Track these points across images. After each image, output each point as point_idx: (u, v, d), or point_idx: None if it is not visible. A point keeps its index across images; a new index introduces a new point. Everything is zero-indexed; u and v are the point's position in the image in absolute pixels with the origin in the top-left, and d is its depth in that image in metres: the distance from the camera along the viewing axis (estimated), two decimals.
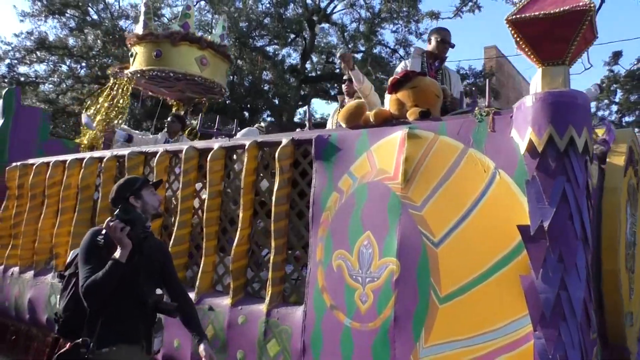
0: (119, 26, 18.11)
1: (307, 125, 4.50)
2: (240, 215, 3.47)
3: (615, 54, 18.03)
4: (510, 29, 2.41)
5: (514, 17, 2.39)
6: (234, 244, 3.43)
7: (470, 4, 15.07)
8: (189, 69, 6.19)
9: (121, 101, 6.42)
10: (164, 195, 4.05)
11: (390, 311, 2.62)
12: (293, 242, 3.44)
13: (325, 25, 19.41)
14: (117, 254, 2.18)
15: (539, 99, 2.33)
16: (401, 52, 17.99)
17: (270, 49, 19.13)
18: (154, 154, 4.23)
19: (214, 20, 18.52)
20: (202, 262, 3.64)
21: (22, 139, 5.97)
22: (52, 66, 18.33)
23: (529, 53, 2.44)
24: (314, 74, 20.25)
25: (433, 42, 4.14)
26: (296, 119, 19.64)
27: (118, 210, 2.28)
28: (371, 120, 3.04)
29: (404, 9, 17.17)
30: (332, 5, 18.65)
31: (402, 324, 2.57)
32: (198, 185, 3.98)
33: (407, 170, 2.71)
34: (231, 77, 17.13)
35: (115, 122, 6.41)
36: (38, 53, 17.75)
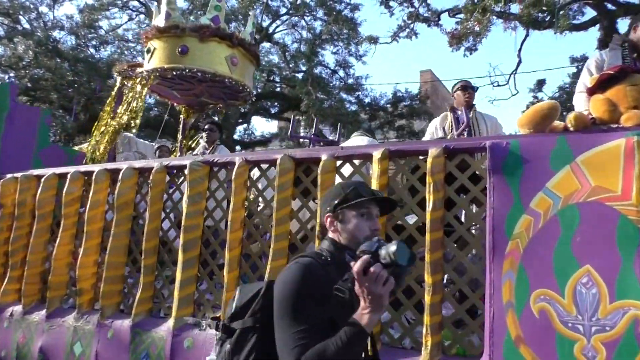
0: (53, 37, 17.23)
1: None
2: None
3: (539, 82, 19.05)
4: None
5: None
6: None
7: (407, 30, 15.82)
8: (218, 68, 5.35)
9: (134, 104, 5.44)
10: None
11: None
12: (451, 275, 2.76)
13: (267, 45, 19.93)
14: (363, 317, 1.38)
15: None
16: (341, 73, 18.92)
17: None
18: (225, 164, 3.43)
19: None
20: None
21: (18, 144, 4.90)
22: None
23: None
24: (254, 92, 20.38)
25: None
26: (236, 137, 19.85)
27: (368, 241, 1.46)
28: (570, 126, 2.42)
29: (345, 32, 17.97)
30: (274, 25, 19.00)
31: None
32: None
33: None
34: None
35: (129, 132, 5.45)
36: None
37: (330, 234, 1.64)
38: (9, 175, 4.57)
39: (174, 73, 5.29)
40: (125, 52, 19.50)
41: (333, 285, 1.38)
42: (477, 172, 2.68)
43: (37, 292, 4.13)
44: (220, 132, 5.38)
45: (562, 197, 2.32)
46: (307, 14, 18.78)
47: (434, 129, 4.06)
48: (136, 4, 19.42)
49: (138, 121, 5.36)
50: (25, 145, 4.96)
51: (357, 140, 4.01)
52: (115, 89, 5.91)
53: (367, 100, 18.63)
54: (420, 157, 2.81)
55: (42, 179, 4.24)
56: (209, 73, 5.29)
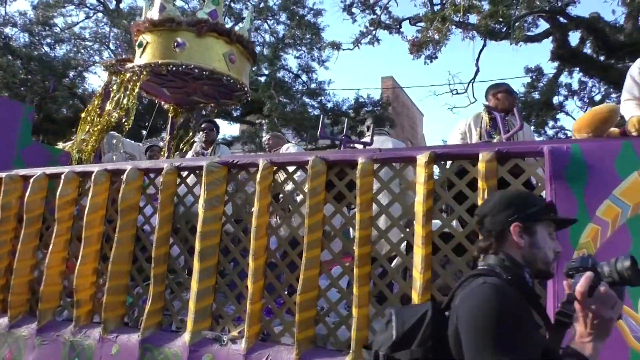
0: (5, 34, 16.64)
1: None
2: (421, 252, 2.55)
3: None
4: None
5: None
6: None
7: (369, 36, 16.22)
8: (216, 66, 5.08)
9: (124, 101, 5.09)
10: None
11: None
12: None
13: None
14: (586, 346, 1.20)
15: None
16: (304, 77, 19.05)
17: None
18: (245, 165, 3.20)
19: (111, 33, 17.88)
20: None
21: None
22: None
23: None
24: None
25: None
26: (196, 139, 19.35)
27: (579, 257, 1.26)
28: (633, 131, 2.33)
29: (308, 37, 18.14)
30: (236, 28, 18.83)
31: None
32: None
33: None
34: None
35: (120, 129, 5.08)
36: None
37: (507, 248, 1.42)
38: None
39: (169, 69, 4.98)
40: (82, 51, 18.91)
41: (529, 309, 1.19)
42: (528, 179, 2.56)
43: (25, 303, 3.76)
44: (217, 132, 5.09)
45: (631, 205, 2.22)
46: (270, 18, 18.88)
47: (466, 129, 3.92)
48: (94, 1, 18.97)
49: (131, 119, 5.01)
50: (6, 143, 4.56)
51: (382, 140, 3.84)
52: (102, 85, 5.53)
53: (329, 105, 18.84)
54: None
55: (31, 180, 3.88)
56: (207, 70, 5.01)
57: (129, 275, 3.43)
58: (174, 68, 4.96)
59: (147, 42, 5.11)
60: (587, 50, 13.85)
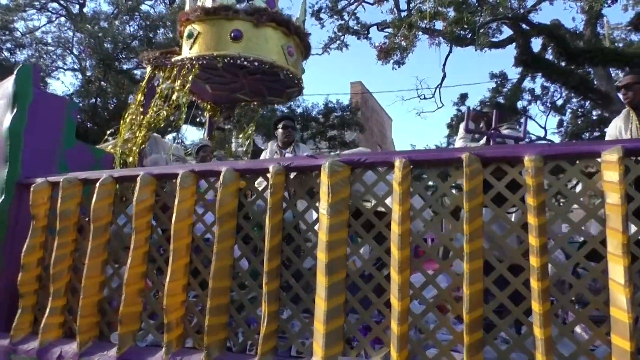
0: None
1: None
2: (538, 261, 2.21)
3: (462, 96, 20.27)
4: None
5: None
6: None
7: (337, 42, 16.58)
8: (275, 59, 4.65)
9: (174, 97, 4.60)
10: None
11: None
12: None
13: None
14: None
15: None
16: None
17: (138, 72, 18.23)
18: (379, 163, 2.79)
19: (74, 38, 17.41)
20: None
21: (42, 142, 3.93)
22: None
23: None
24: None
25: None
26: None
27: None
28: None
29: None
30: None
31: None
32: None
33: None
34: (94, 99, 17.16)
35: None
36: None
37: None
38: (39, 180, 3.62)
39: (225, 61, 4.52)
40: (44, 56, 18.22)
41: None
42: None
43: (94, 327, 3.25)
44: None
45: None
46: None
47: (617, 132, 3.60)
48: (56, 5, 18.32)
49: (182, 117, 4.53)
50: (50, 143, 4.01)
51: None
52: (145, 80, 5.00)
53: (299, 110, 18.72)
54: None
55: (97, 184, 3.37)
56: (267, 63, 4.59)
57: (229, 292, 2.97)
58: (231, 61, 4.52)
59: (199, 33, 4.65)
60: (549, 56, 14.25)
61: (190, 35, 4.64)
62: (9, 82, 3.87)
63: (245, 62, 4.49)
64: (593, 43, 13.17)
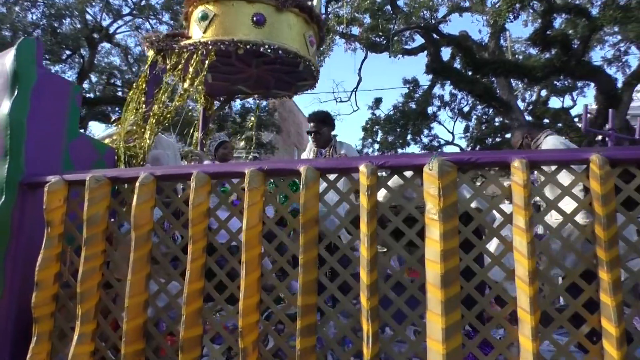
0: None
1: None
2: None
3: (377, 100, 21.01)
4: None
5: None
6: None
7: None
8: (298, 48, 4.26)
9: (186, 85, 4.04)
10: None
11: None
12: None
13: (107, 45, 19.30)
14: None
15: None
16: None
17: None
18: (492, 164, 2.54)
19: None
20: None
21: (44, 133, 3.26)
22: None
23: None
24: (92, 95, 19.91)
25: None
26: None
27: None
28: None
29: None
30: (115, 25, 18.24)
31: None
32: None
33: None
34: None
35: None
36: None
37: None
38: (52, 178, 3.00)
39: (247, 48, 4.06)
40: None
41: None
42: None
43: (140, 355, 2.72)
44: (333, 127, 4.20)
45: None
46: (152, 17, 18.26)
47: None
48: None
49: (200, 109, 3.99)
50: (54, 134, 3.37)
51: (553, 142, 3.36)
52: (147, 65, 4.37)
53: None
54: None
55: (137, 184, 2.83)
56: (291, 53, 4.19)
57: (316, 310, 2.59)
58: (253, 47, 4.06)
59: (215, 15, 4.16)
60: (458, 65, 15.22)
61: (204, 17, 4.12)
62: (6, 59, 3.18)
63: (269, 51, 4.05)
64: (497, 55, 14.22)
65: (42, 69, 3.27)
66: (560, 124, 17.01)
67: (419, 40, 15.23)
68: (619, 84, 13.19)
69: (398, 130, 20.10)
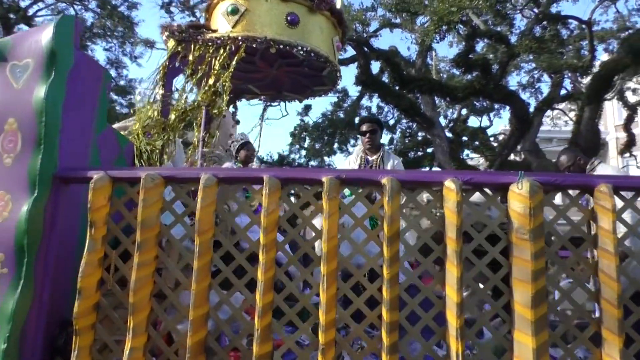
0: None
1: None
2: None
3: (306, 107, 21.20)
4: None
5: None
6: None
7: None
8: (327, 52, 4.15)
9: (211, 82, 3.78)
10: None
11: None
12: None
13: (25, 28, 17.75)
14: None
15: None
16: (112, 72, 18.03)
17: None
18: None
19: None
20: None
21: (77, 122, 2.91)
22: None
23: None
24: None
25: None
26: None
27: None
28: None
29: (120, 29, 17.35)
30: (35, 7, 17.07)
31: None
32: None
33: None
34: None
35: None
36: None
37: None
38: (95, 175, 2.69)
39: (280, 47, 3.90)
40: None
41: None
42: None
43: None
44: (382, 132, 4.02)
45: None
46: (77, 3, 17.30)
47: None
48: None
49: (223, 106, 3.77)
50: (86, 124, 3.04)
51: (610, 170, 3.50)
52: (166, 57, 4.04)
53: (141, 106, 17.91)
54: None
55: (201, 185, 2.61)
56: (323, 57, 4.07)
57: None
58: (286, 48, 3.90)
59: (246, 10, 3.94)
60: (386, 79, 15.90)
61: (234, 11, 3.89)
62: (41, 36, 2.82)
63: (302, 53, 3.90)
64: (423, 72, 14.94)
65: (79, 51, 2.94)
66: (477, 142, 17.97)
67: (350, 51, 15.39)
68: (531, 109, 14.14)
69: (326, 138, 20.04)
